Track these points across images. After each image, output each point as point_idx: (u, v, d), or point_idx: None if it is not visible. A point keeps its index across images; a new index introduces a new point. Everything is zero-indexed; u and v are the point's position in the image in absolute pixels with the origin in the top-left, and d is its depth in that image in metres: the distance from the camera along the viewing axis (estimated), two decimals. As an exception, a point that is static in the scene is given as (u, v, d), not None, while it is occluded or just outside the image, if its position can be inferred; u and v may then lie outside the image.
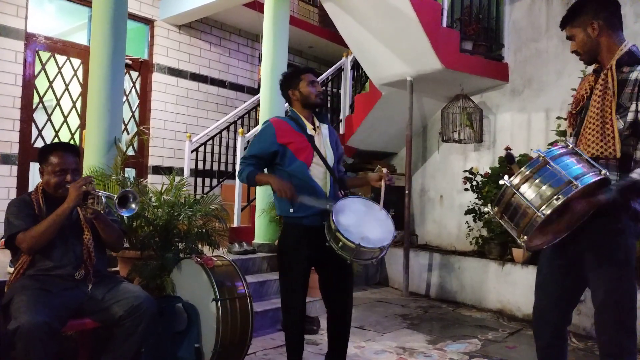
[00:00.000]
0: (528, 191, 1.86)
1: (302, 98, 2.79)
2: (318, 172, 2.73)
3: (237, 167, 5.64)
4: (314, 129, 2.80)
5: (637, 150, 2.00)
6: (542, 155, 1.87)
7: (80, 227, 2.73)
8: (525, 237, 1.90)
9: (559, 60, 5.30)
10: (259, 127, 5.35)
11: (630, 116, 1.99)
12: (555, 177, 1.82)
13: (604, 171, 1.83)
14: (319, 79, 6.71)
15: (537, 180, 1.86)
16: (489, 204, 2.04)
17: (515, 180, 1.90)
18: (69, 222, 2.67)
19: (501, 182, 1.94)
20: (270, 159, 2.73)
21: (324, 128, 2.86)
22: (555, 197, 1.79)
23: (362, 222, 2.58)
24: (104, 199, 2.60)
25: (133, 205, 2.63)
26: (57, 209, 2.57)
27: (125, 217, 3.45)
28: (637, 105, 1.98)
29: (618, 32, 2.12)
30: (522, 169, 1.92)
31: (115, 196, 2.58)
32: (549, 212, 1.79)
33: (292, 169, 2.68)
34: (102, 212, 2.64)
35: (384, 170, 2.75)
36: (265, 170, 2.82)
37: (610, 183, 1.92)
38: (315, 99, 2.78)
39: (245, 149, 5.93)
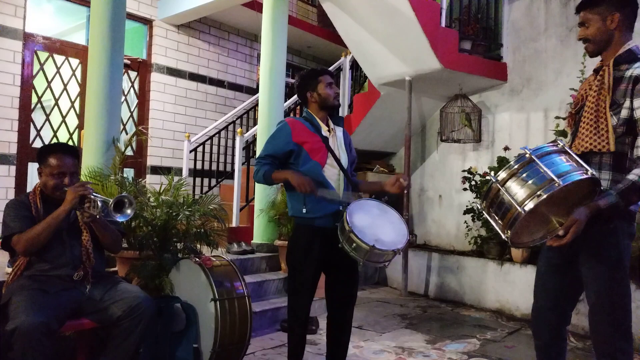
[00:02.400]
0: (513, 186, 1.89)
1: (320, 100, 2.79)
2: (332, 174, 2.73)
3: (244, 167, 5.70)
4: (329, 131, 2.80)
5: (635, 148, 1.98)
6: (528, 153, 1.89)
7: (78, 228, 2.72)
8: (509, 232, 1.91)
9: (557, 60, 5.30)
10: (257, 127, 5.38)
11: (623, 113, 1.98)
12: (539, 174, 1.84)
13: (590, 170, 1.84)
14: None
15: (522, 176, 1.88)
16: (479, 199, 2.07)
17: (502, 174, 1.93)
18: (67, 223, 2.67)
19: (487, 177, 1.95)
20: (285, 159, 2.72)
21: (339, 130, 2.86)
22: (537, 193, 1.81)
23: (376, 224, 2.57)
24: (99, 203, 2.60)
25: (128, 211, 2.61)
26: (54, 212, 2.57)
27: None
28: (631, 102, 1.97)
29: (629, 31, 2.10)
30: (511, 163, 1.94)
31: (111, 201, 2.57)
32: (530, 208, 1.81)
33: (306, 168, 2.67)
34: (98, 216, 2.63)
35: (402, 175, 2.77)
36: None
37: (599, 182, 1.91)
38: (334, 100, 2.80)
39: (243, 148, 5.95)
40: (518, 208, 1.83)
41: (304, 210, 2.66)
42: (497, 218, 1.96)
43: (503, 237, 1.97)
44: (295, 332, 2.76)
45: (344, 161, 2.79)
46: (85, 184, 2.66)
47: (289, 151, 2.70)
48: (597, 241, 2.03)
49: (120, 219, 2.62)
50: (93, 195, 2.60)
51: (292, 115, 7.11)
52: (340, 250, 2.53)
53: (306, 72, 2.93)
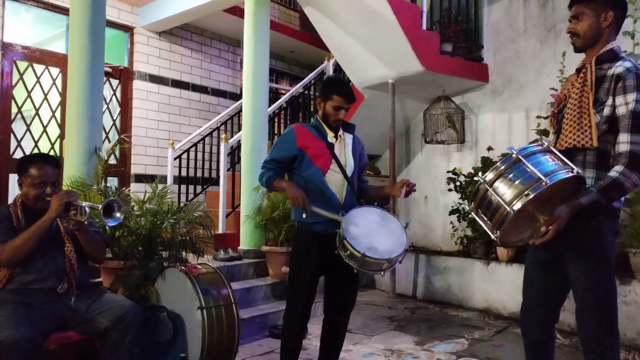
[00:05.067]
0: (500, 187, 1.91)
1: (323, 113, 2.80)
2: (335, 180, 2.73)
3: (229, 173, 5.67)
4: (335, 137, 2.80)
5: (616, 145, 2.01)
6: (515, 153, 1.91)
7: (60, 239, 2.69)
8: (498, 232, 1.93)
9: (537, 61, 5.37)
10: (242, 133, 5.36)
11: (606, 110, 2.01)
12: (526, 174, 1.87)
13: (576, 169, 1.86)
14: (302, 83, 6.78)
15: (509, 177, 1.90)
16: (467, 200, 2.08)
17: (490, 176, 1.95)
18: (49, 234, 2.63)
19: (476, 177, 1.97)
20: (290, 163, 2.76)
21: (348, 137, 2.87)
22: (525, 192, 1.83)
23: (373, 232, 2.56)
24: (87, 210, 2.57)
25: (118, 214, 2.60)
26: (39, 220, 2.54)
27: (107, 227, 3.42)
28: (613, 100, 2.00)
29: (615, 33, 2.14)
30: (497, 164, 1.96)
31: (100, 206, 2.54)
32: (518, 207, 1.83)
33: (308, 174, 2.69)
34: (85, 222, 2.60)
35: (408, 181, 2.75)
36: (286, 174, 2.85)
37: (584, 181, 1.94)
38: (332, 122, 2.78)
39: (228, 154, 5.93)
40: (507, 208, 1.85)
41: (304, 216, 2.68)
42: (485, 219, 1.98)
43: (492, 237, 1.98)
44: (290, 336, 2.76)
45: (350, 168, 2.79)
46: (70, 191, 2.65)
47: (294, 156, 2.73)
48: (583, 239, 2.05)
49: (110, 223, 2.61)
50: (79, 202, 2.58)
51: (276, 120, 7.12)
52: (338, 256, 2.54)
53: (331, 80, 2.98)
